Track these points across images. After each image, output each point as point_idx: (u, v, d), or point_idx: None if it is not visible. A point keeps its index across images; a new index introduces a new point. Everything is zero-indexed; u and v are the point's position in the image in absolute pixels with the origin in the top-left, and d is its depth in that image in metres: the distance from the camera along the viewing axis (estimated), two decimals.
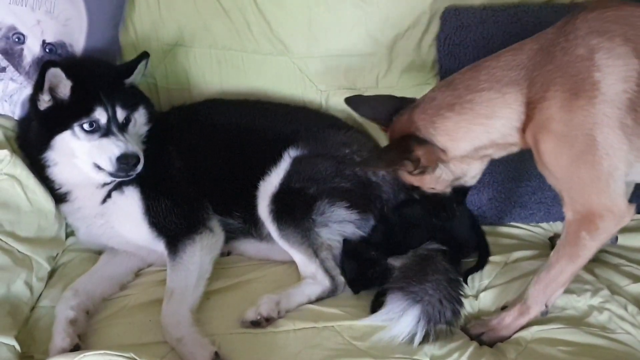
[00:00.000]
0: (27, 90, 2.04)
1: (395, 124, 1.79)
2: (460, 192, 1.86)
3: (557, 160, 1.59)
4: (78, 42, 2.15)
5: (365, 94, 2.33)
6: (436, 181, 1.79)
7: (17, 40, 2.04)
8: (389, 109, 1.83)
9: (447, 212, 1.88)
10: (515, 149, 1.71)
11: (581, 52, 1.53)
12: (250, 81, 2.40)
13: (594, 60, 1.51)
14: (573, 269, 1.68)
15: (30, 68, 2.05)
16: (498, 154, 1.75)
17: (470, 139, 1.67)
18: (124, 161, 1.88)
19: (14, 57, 2.04)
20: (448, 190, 1.83)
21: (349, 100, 1.94)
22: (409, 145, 1.69)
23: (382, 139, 2.40)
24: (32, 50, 2.05)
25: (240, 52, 2.35)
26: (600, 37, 1.52)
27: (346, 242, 1.96)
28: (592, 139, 1.52)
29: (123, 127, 1.95)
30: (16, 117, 2.08)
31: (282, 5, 2.28)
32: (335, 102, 2.40)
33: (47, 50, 2.07)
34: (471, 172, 1.80)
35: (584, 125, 1.52)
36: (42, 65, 1.86)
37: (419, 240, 1.91)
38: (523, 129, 1.62)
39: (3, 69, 2.03)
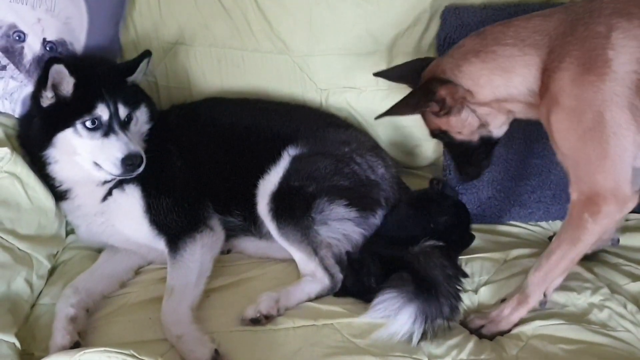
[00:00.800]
0: (28, 89, 2.04)
1: (424, 76, 1.83)
2: (488, 143, 1.87)
3: (565, 135, 1.60)
4: (79, 40, 2.15)
5: (366, 92, 2.35)
6: (462, 124, 1.81)
7: (17, 38, 2.04)
8: (416, 68, 1.89)
9: (474, 166, 1.91)
10: (535, 115, 1.72)
11: (600, 29, 1.55)
12: (250, 80, 2.40)
13: (610, 38, 1.53)
14: (573, 254, 1.68)
15: (31, 66, 2.05)
16: (520, 113, 1.77)
17: (491, 87, 1.71)
18: (129, 162, 1.88)
19: (14, 55, 2.04)
20: (475, 138, 1.84)
21: (377, 74, 2.06)
22: (432, 87, 1.74)
23: (382, 138, 2.42)
24: (32, 48, 2.05)
25: (241, 50, 2.35)
26: (621, 17, 1.54)
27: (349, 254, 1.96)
28: (600, 116, 1.53)
29: (125, 125, 1.95)
30: (17, 115, 2.08)
31: (282, 3, 2.29)
32: (335, 100, 2.40)
33: (48, 48, 2.07)
34: (497, 121, 1.82)
35: (593, 102, 1.53)
36: (46, 62, 1.86)
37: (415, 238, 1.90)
38: (541, 97, 1.64)
39: (3, 67, 2.03)
